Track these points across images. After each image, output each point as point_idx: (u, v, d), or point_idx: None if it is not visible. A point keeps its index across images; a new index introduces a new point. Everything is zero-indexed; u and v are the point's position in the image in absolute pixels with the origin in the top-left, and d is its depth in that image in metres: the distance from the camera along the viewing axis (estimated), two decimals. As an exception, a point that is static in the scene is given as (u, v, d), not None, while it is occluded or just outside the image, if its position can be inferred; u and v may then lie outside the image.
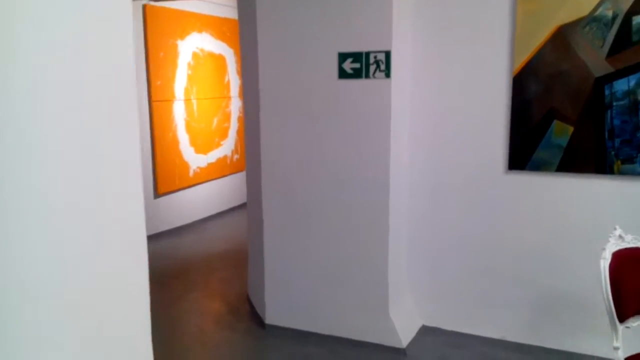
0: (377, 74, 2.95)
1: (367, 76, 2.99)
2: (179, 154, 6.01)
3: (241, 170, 7.23)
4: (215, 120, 6.64)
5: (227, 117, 6.86)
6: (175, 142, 5.96)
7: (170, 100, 5.84)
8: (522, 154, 3.05)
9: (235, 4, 7.04)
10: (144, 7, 5.38)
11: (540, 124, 2.99)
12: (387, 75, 2.94)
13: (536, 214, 3.08)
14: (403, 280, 3.39)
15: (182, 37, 5.97)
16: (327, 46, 3.06)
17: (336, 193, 3.21)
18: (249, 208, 3.90)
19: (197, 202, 6.38)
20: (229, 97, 6.91)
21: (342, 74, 3.04)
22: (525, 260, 3.14)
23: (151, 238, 5.61)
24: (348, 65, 3.01)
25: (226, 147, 6.89)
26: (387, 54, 2.92)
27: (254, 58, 3.30)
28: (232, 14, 6.91)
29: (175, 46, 5.87)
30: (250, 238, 3.92)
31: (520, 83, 3.00)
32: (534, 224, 3.09)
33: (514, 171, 3.09)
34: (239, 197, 7.28)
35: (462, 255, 3.28)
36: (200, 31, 6.27)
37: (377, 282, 3.19)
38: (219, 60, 6.68)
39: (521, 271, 3.16)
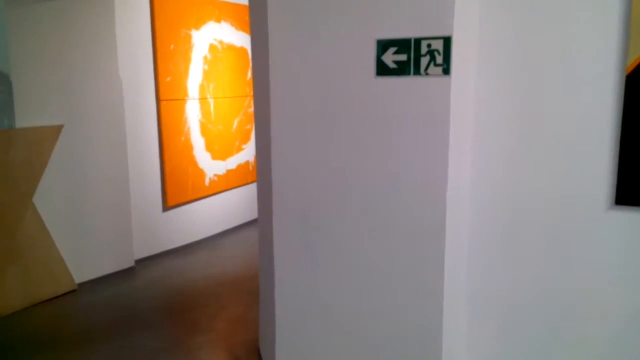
0: (432, 69, 2.10)
1: (417, 72, 2.14)
2: (192, 161, 5.28)
3: (265, 178, 6.45)
4: (235, 122, 5.88)
5: (249, 118, 6.10)
6: (188, 147, 5.23)
7: (182, 99, 5.10)
8: (638, 184, 2.15)
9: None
10: (151, -9, 4.65)
11: (666, 142, 2.08)
12: (446, 71, 2.09)
13: (654, 268, 2.17)
14: (460, 345, 2.53)
15: (197, 27, 5.22)
16: (360, 31, 2.22)
17: (369, 232, 2.37)
18: (260, 239, 3.11)
19: (213, 215, 5.64)
20: (252, 96, 6.13)
21: (382, 70, 2.20)
22: (636, 333, 2.24)
23: (156, 258, 4.89)
24: (390, 58, 2.17)
25: (248, 152, 6.13)
26: (447, 42, 2.07)
27: (263, 47, 2.49)
28: (256, 1, 6.12)
29: (188, 37, 5.13)
30: (262, 275, 3.13)
31: (637, 83, 2.10)
32: (651, 282, 2.18)
33: (623, 207, 2.19)
34: (262, 208, 6.51)
35: (541, 318, 2.40)
36: (218, 20, 5.51)
37: (425, 348, 2.35)
38: (241, 53, 5.91)
39: (628, 346, 2.26)
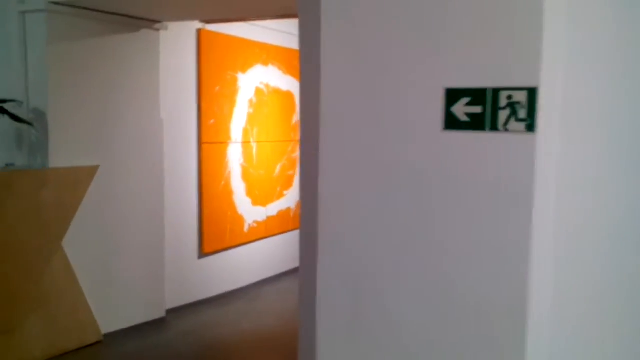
0: (513, 124, 1.76)
1: (494, 128, 1.80)
2: (232, 206, 5.05)
3: (306, 225, 6.15)
4: (278, 167, 5.66)
5: (292, 163, 5.87)
6: (228, 192, 5.01)
7: (224, 142, 4.92)
8: None
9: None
10: (198, 32, 4.54)
11: None
12: (531, 127, 1.74)
13: None
14: None
15: (243, 70, 5.08)
16: (427, 77, 1.91)
17: (435, 314, 2.00)
18: (301, 300, 2.77)
19: (251, 263, 5.36)
20: (296, 141, 5.92)
21: (451, 123, 1.87)
22: None
23: (189, 308, 4.61)
24: (462, 109, 1.85)
25: (290, 198, 5.87)
26: (532, 93, 1.74)
27: (314, 93, 2.22)
28: (305, 44, 5.98)
29: (234, 80, 4.99)
30: (302, 338, 2.78)
31: None
32: None
33: None
34: (302, 257, 6.18)
35: None
36: (265, 64, 5.37)
37: None
38: (287, 97, 5.74)
39: None
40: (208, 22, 4.07)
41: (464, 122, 1.83)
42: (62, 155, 3.46)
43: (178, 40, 4.36)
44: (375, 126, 2.02)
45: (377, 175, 2.03)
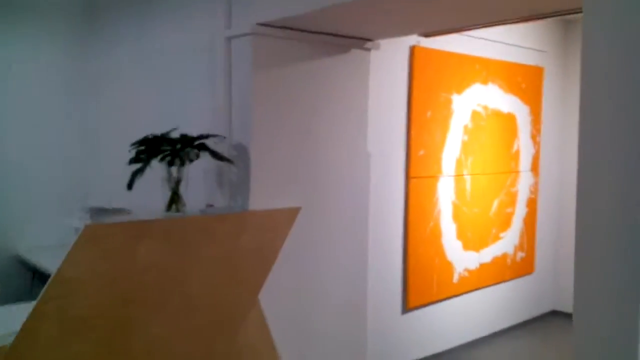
0: None
1: None
2: (440, 251, 4.28)
3: (527, 274, 5.12)
4: (495, 204, 4.73)
5: (511, 199, 4.89)
6: (437, 234, 4.24)
7: (434, 176, 4.18)
8: None
9: (540, 46, 5.11)
10: (412, 49, 3.89)
11: None
12: None
13: None
14: None
15: (459, 91, 4.31)
16: None
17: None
18: None
19: (460, 319, 4.51)
20: (517, 172, 4.93)
21: None
22: None
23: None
24: None
25: (507, 242, 4.89)
26: None
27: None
28: (531, 59, 5.00)
29: (448, 102, 4.23)
30: None
31: None
32: None
33: None
34: (523, 311, 5.15)
35: None
36: (485, 82, 4.52)
37: None
38: (508, 120, 4.80)
39: None
40: (427, 35, 3.38)
41: None
42: (262, 195, 3.04)
43: (388, 60, 3.75)
44: None
45: None
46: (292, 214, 3.25)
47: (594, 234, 1.42)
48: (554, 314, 5.45)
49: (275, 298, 3.19)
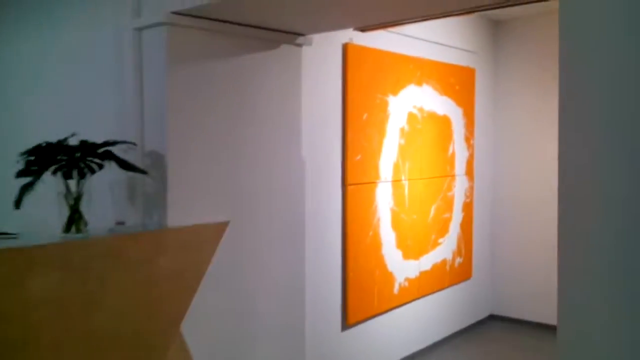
0: None
1: None
2: (380, 262, 4.04)
3: (465, 279, 4.99)
4: (432, 209, 4.57)
5: (448, 203, 4.75)
6: (377, 244, 4.00)
7: (372, 182, 3.94)
8: None
9: (471, 47, 5.02)
10: (345, 47, 3.63)
11: None
12: None
13: None
14: None
15: (394, 92, 4.10)
16: None
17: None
18: None
19: (401, 332, 4.28)
20: (453, 176, 4.80)
21: None
22: None
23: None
24: None
25: (446, 247, 4.74)
26: None
27: None
28: (463, 60, 4.89)
29: (384, 104, 4.01)
30: None
31: None
32: None
33: None
34: (463, 317, 5.01)
35: None
36: (419, 83, 4.35)
37: None
38: (443, 123, 4.66)
39: None
40: (363, 29, 3.11)
41: None
42: (183, 210, 2.64)
43: (321, 58, 3.47)
44: None
45: None
46: (218, 229, 2.87)
47: (577, 236, 1.31)
48: (492, 318, 5.37)
49: (201, 326, 2.78)
